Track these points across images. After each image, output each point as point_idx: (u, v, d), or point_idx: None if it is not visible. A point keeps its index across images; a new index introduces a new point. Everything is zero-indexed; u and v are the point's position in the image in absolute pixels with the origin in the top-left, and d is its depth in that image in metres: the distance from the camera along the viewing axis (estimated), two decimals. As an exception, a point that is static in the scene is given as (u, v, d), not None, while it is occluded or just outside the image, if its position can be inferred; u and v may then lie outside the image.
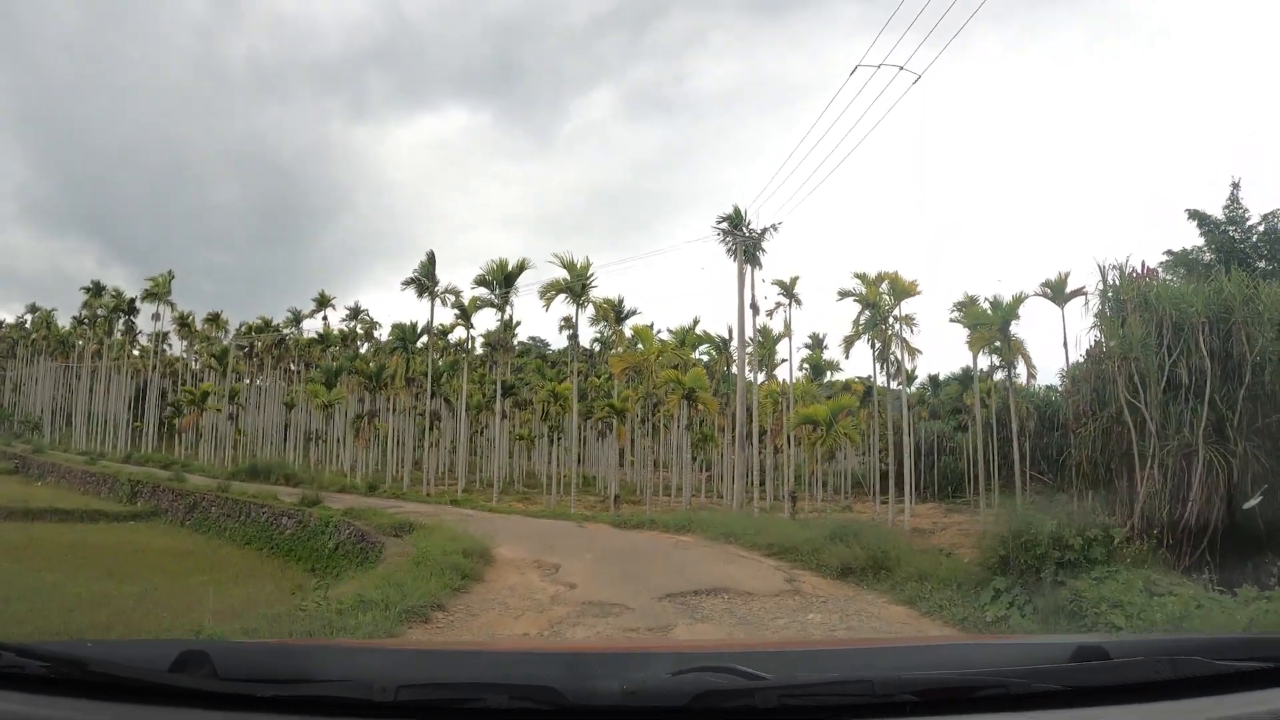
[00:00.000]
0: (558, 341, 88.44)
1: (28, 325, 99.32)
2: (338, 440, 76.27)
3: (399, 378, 60.03)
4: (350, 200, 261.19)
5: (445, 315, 53.22)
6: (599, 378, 75.26)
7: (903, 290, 40.74)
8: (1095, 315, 15.20)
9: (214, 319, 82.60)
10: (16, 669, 2.06)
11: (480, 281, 46.14)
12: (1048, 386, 55.31)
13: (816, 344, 60.44)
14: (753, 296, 34.18)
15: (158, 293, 79.14)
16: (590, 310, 42.85)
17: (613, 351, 44.61)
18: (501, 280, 45.31)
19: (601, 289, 48.55)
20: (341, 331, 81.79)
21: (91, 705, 2.00)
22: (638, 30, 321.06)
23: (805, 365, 57.10)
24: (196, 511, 36.63)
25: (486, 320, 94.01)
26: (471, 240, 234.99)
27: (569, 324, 42.92)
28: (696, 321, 43.19)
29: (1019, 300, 42.05)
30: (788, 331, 45.52)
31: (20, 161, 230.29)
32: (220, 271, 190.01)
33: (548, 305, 41.38)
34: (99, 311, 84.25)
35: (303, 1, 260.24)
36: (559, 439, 69.74)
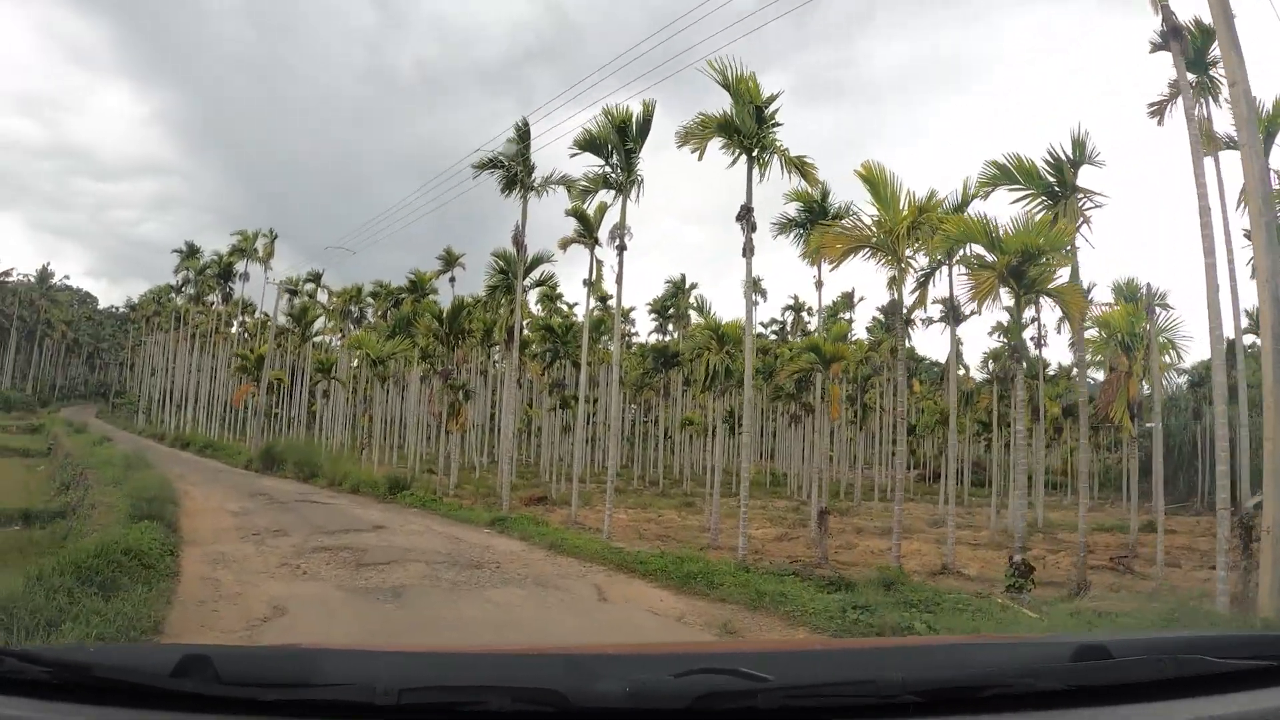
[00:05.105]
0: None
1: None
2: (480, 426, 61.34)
3: (499, 329, 41.58)
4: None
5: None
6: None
7: None
8: None
9: (315, 278, 66.81)
10: (18, 674, 2.00)
11: (585, 144, 26.96)
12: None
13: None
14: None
15: (245, 248, 64.19)
16: (775, 170, 23.66)
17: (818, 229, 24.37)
18: (618, 141, 26.66)
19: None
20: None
21: (94, 710, 1.95)
22: (803, 13, 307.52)
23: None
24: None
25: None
26: (654, 231, 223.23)
27: (746, 218, 23.13)
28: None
29: None
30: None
31: (213, 176, 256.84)
32: (399, 272, 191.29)
33: (700, 153, 22.55)
34: (189, 275, 71.08)
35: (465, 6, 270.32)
36: (738, 426, 51.67)
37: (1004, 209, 50.56)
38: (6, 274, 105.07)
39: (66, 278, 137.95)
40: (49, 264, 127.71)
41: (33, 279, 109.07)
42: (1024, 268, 16.38)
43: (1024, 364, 20.54)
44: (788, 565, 17.32)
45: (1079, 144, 18.93)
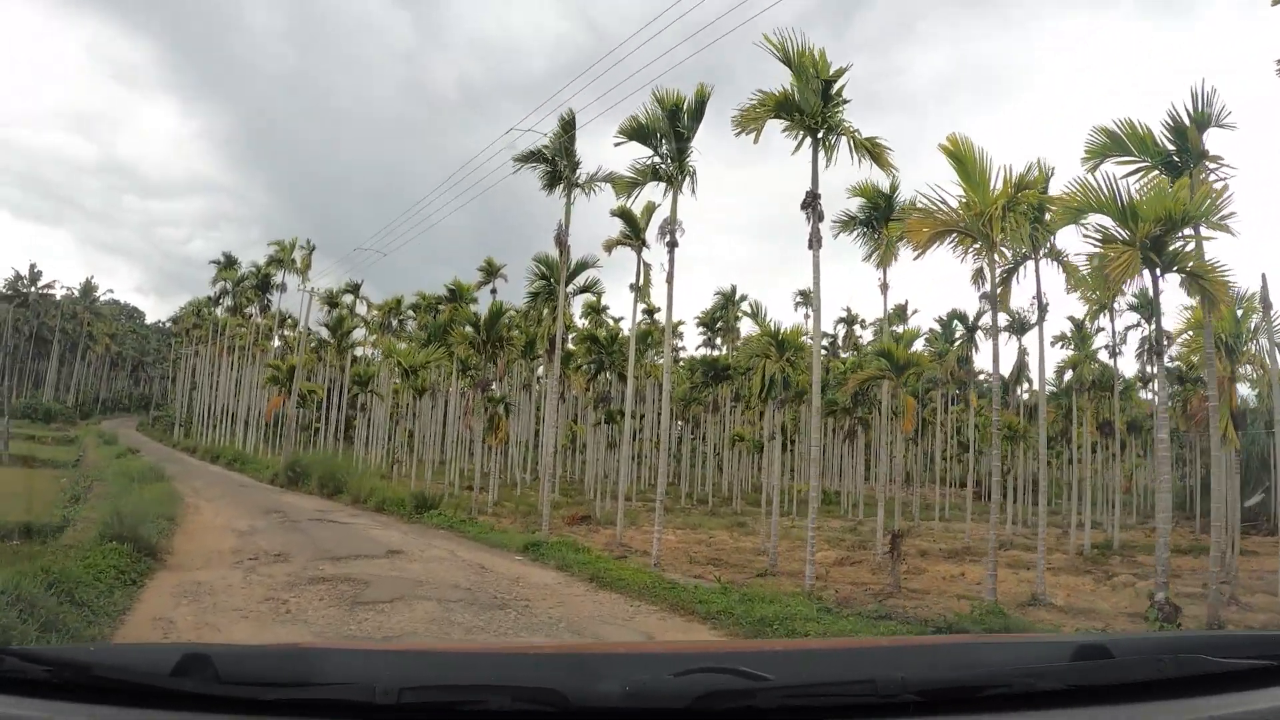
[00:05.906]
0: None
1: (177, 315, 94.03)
2: (524, 443, 59.64)
3: (541, 339, 39.48)
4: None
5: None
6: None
7: None
8: None
9: (354, 289, 65.34)
10: (19, 673, 1.98)
11: (632, 132, 24.40)
12: None
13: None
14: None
15: (283, 259, 63.12)
16: (844, 156, 21.43)
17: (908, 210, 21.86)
18: (668, 128, 24.53)
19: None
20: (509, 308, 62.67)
21: (94, 709, 1.92)
22: (841, 24, 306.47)
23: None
24: None
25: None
26: (696, 242, 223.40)
27: (813, 206, 20.85)
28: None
29: None
30: None
31: (259, 192, 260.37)
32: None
33: (756, 135, 20.37)
34: (226, 286, 69.84)
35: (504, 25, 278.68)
36: (795, 439, 49.67)
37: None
38: (49, 287, 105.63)
39: (111, 291, 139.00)
40: (92, 278, 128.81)
41: (77, 293, 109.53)
42: (1165, 239, 13.69)
43: (1162, 359, 17.82)
44: (871, 601, 14.99)
45: (1203, 101, 16.06)
